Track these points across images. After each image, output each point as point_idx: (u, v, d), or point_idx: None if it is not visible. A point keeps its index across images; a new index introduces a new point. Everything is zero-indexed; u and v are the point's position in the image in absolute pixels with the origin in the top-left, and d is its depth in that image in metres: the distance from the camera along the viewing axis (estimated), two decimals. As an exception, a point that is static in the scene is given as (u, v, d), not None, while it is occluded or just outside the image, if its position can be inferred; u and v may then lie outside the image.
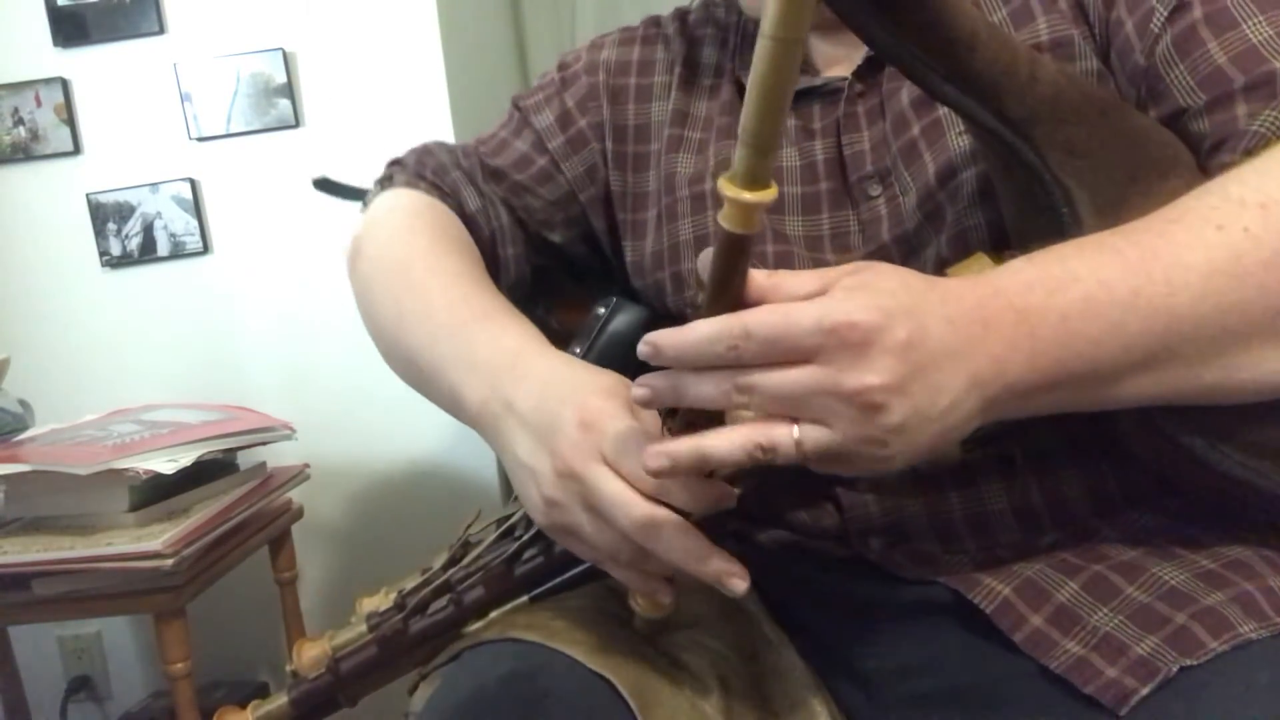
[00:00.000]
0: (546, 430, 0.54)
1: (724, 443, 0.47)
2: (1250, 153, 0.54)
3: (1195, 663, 0.49)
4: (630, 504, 0.50)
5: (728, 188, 0.42)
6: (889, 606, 0.62)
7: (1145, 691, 0.49)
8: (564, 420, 0.53)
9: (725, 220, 0.43)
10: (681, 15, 0.83)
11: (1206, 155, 0.56)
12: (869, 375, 0.44)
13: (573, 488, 0.53)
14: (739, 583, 0.51)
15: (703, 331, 0.45)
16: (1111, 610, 0.54)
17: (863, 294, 0.45)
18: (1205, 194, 0.51)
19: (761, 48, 0.38)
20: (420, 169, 0.81)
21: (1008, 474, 0.61)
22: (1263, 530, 0.58)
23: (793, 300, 0.45)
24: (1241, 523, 0.59)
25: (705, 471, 0.52)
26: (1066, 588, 0.56)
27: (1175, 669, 0.49)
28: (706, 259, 0.46)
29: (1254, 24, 0.56)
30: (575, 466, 0.52)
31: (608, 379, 0.56)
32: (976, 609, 0.57)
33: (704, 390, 0.46)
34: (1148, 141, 0.56)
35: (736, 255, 0.44)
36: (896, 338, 0.44)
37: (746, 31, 0.78)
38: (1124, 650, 0.51)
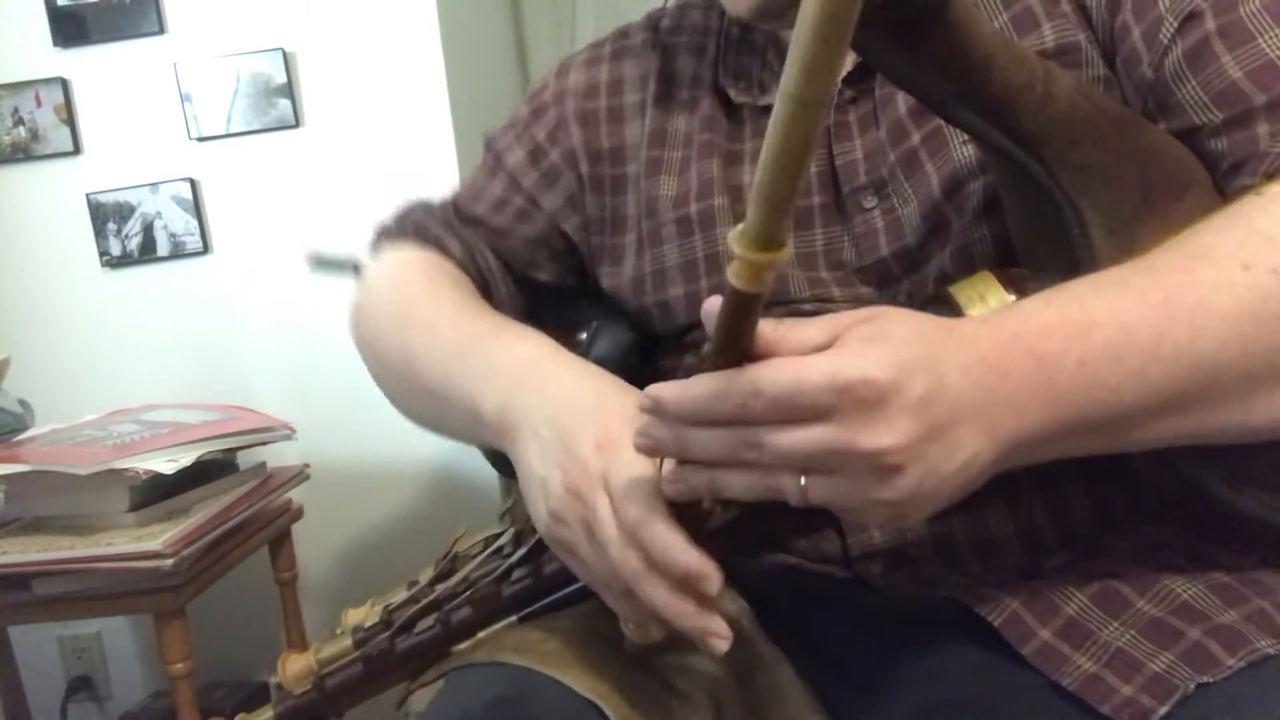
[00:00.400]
0: (562, 444, 0.53)
1: (738, 481, 0.46)
2: (1271, 176, 0.52)
3: (1212, 680, 0.48)
4: (617, 541, 0.50)
5: (738, 246, 0.39)
6: (894, 617, 0.61)
7: (1164, 711, 0.47)
8: (581, 439, 0.52)
9: (735, 278, 0.41)
10: (653, 24, 0.80)
11: (1224, 176, 0.54)
12: (885, 436, 0.42)
13: (577, 508, 0.52)
14: (719, 644, 0.49)
15: (709, 388, 0.44)
16: (1122, 624, 0.53)
17: (877, 347, 0.43)
18: (1230, 228, 0.49)
19: (782, 110, 0.35)
20: (403, 228, 0.81)
21: (1012, 497, 0.59)
22: (1275, 547, 0.57)
23: (802, 352, 0.43)
24: (1253, 539, 0.58)
25: (711, 505, 0.51)
26: (1075, 600, 0.55)
27: (1192, 686, 0.48)
28: (711, 309, 0.44)
29: (1271, 37, 0.53)
30: (582, 487, 0.51)
31: (630, 400, 0.54)
32: (984, 621, 0.56)
33: (710, 446, 0.45)
34: (1163, 159, 0.54)
35: (745, 313, 0.42)
36: (913, 394, 0.42)
37: (730, 35, 0.75)
38: (1138, 667, 0.50)
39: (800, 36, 0.33)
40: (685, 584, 0.49)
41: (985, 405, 0.44)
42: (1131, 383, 0.46)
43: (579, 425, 0.53)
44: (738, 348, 0.44)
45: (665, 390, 0.45)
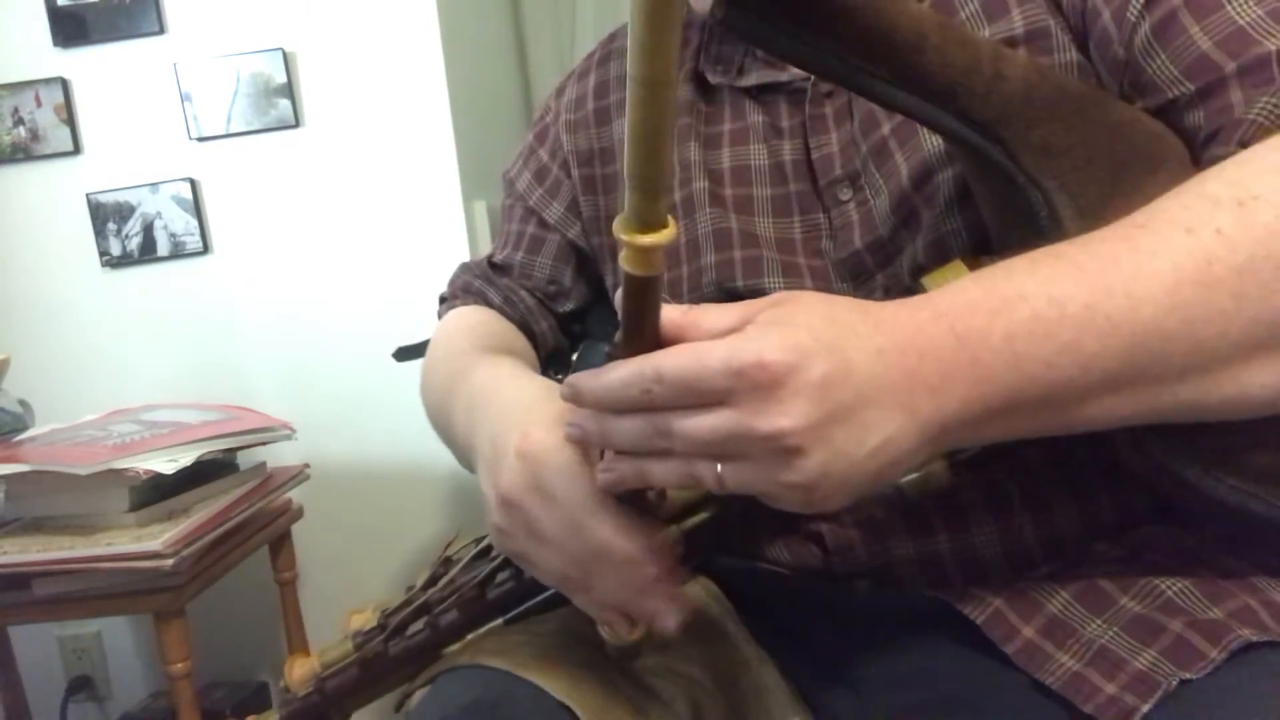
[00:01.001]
0: (495, 457, 0.54)
1: (661, 468, 0.46)
2: (1246, 144, 0.49)
3: (1195, 675, 0.48)
4: (565, 535, 0.50)
5: (622, 231, 0.39)
6: (879, 616, 0.61)
7: (1146, 708, 0.47)
8: (507, 449, 0.53)
9: (626, 264, 0.41)
10: None
11: (1201, 147, 0.52)
12: (780, 419, 0.41)
13: (516, 516, 0.52)
14: (670, 621, 0.51)
15: (617, 375, 0.44)
16: (1105, 621, 0.52)
17: (777, 331, 0.43)
18: (1180, 193, 0.47)
19: (631, 92, 0.36)
20: (454, 291, 0.87)
21: (1002, 513, 0.58)
22: (1262, 545, 0.56)
23: (708, 338, 0.44)
24: (1240, 539, 0.57)
25: (649, 493, 0.51)
26: (1058, 597, 0.55)
27: (1175, 682, 0.47)
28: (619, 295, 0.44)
29: (1239, 4, 0.52)
30: (513, 496, 0.52)
31: (557, 406, 0.55)
32: (967, 619, 0.56)
33: (626, 434, 0.45)
34: (1132, 135, 0.52)
35: (643, 297, 0.43)
36: (809, 378, 0.41)
37: (714, 29, 0.74)
38: (1121, 664, 0.50)
39: (634, 20, 0.34)
40: (631, 569, 0.50)
41: (902, 387, 0.43)
42: (1066, 357, 0.44)
43: (506, 436, 0.54)
44: (644, 333, 0.44)
45: (581, 378, 0.46)
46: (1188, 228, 0.45)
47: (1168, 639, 0.50)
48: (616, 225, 0.40)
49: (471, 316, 0.82)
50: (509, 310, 0.83)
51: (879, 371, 0.43)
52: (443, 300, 0.89)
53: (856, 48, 0.49)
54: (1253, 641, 0.48)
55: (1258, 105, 0.50)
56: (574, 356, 0.84)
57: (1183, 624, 0.50)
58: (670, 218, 0.40)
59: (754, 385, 0.41)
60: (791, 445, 0.42)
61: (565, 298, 0.83)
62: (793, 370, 0.41)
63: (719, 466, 0.44)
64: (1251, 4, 0.52)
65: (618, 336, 0.45)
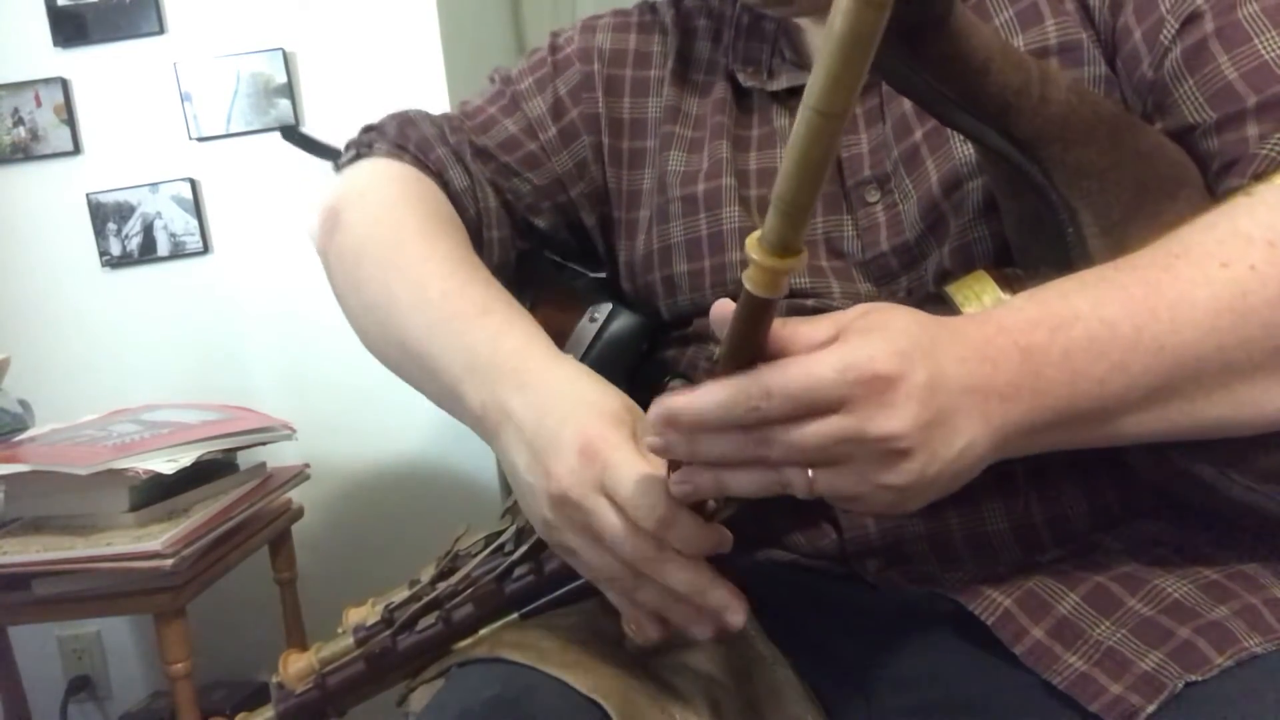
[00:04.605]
0: (546, 450, 0.53)
1: (745, 480, 0.47)
2: (1259, 177, 0.52)
3: (1201, 678, 0.48)
4: (632, 538, 0.50)
5: (756, 251, 0.40)
6: (889, 617, 0.61)
7: (1151, 709, 0.48)
8: (564, 443, 0.52)
9: (750, 283, 0.41)
10: (676, 1, 0.80)
11: (1215, 176, 0.55)
12: (894, 421, 0.43)
13: (569, 514, 0.52)
14: (736, 617, 0.52)
15: (721, 396, 0.44)
16: (1114, 623, 0.53)
17: (879, 337, 0.44)
18: (1212, 227, 0.50)
19: (804, 119, 0.36)
20: (403, 140, 0.76)
21: (1009, 492, 0.60)
22: (1266, 540, 0.58)
23: (808, 350, 0.44)
24: (1244, 534, 0.58)
25: (716, 504, 0.52)
26: (1068, 599, 0.55)
27: (1180, 685, 0.48)
28: (720, 313, 0.45)
29: (1267, 39, 0.54)
30: (572, 495, 0.52)
31: (615, 401, 0.55)
32: (977, 620, 0.56)
33: (721, 448, 0.46)
34: (1157, 160, 0.54)
35: (759, 317, 0.43)
36: (918, 380, 0.44)
37: (740, 24, 0.76)
38: (1127, 666, 0.50)
39: (826, 52, 0.34)
40: (691, 579, 0.51)
41: (980, 395, 0.46)
42: (1115, 375, 0.48)
43: (560, 430, 0.53)
44: (750, 351, 0.45)
45: (677, 403, 0.46)
46: (1223, 262, 0.49)
47: (1175, 643, 0.51)
48: (750, 244, 0.40)
49: (433, 198, 0.73)
50: (467, 203, 0.75)
51: (964, 378, 0.46)
52: (378, 135, 0.78)
53: (936, 70, 0.51)
54: (1258, 654, 0.49)
55: (1272, 140, 0.53)
56: (590, 321, 0.78)
57: (1190, 630, 0.51)
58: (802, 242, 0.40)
59: (869, 390, 0.43)
60: (902, 447, 0.44)
61: (537, 215, 0.79)
62: (903, 375, 0.44)
63: (811, 473, 0.45)
64: (1278, 39, 0.54)
65: (718, 353, 0.46)
